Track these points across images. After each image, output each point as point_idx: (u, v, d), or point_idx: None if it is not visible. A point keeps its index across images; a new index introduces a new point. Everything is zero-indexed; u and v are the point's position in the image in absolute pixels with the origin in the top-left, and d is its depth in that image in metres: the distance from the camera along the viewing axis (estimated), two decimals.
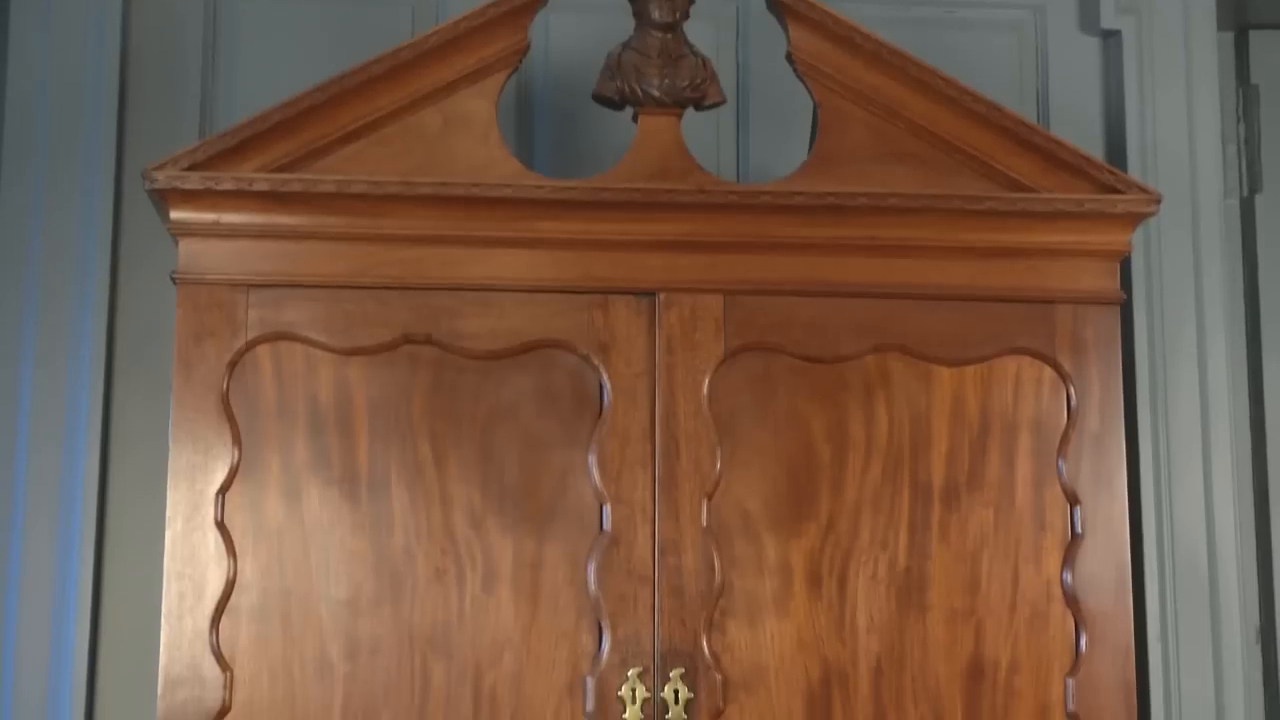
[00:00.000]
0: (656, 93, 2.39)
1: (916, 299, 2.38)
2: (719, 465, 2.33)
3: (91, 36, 2.81)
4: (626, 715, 2.26)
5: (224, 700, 2.22)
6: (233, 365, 2.29)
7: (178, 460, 2.26)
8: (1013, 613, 2.35)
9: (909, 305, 2.38)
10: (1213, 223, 2.93)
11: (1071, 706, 2.32)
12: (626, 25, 2.44)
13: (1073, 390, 2.39)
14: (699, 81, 2.41)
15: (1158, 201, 2.40)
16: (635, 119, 2.42)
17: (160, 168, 2.28)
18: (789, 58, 2.42)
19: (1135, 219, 2.41)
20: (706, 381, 2.34)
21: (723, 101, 2.47)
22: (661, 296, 2.35)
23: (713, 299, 2.36)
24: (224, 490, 2.26)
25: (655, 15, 2.40)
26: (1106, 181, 2.40)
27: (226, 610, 2.24)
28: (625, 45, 2.43)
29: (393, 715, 2.25)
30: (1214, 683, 2.72)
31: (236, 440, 2.28)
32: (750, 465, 2.35)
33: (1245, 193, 3.03)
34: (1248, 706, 2.73)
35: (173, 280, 2.30)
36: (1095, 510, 2.36)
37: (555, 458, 2.33)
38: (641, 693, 2.26)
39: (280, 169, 2.31)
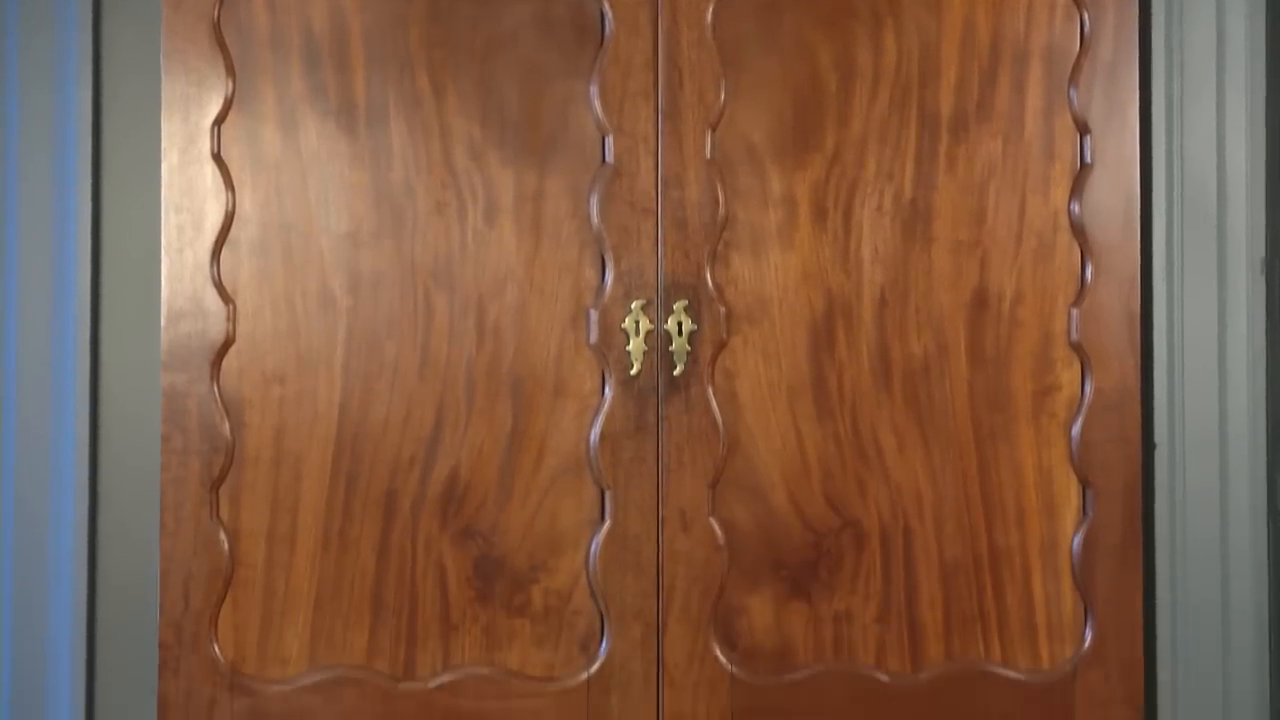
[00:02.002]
0: None
1: None
2: (723, 96, 2.29)
3: None
4: (630, 347, 2.27)
5: (228, 333, 2.23)
6: None
7: (170, 91, 2.23)
8: (1018, 243, 2.34)
9: None
10: None
11: (1075, 336, 2.33)
12: None
13: (1086, 17, 2.34)
14: None
15: None
16: None
17: None
18: None
19: None
20: (710, 8, 2.29)
21: None
22: None
23: None
24: (219, 122, 2.24)
25: None
26: None
27: (226, 244, 2.24)
28: None
29: (396, 347, 2.26)
30: (1217, 313, 2.72)
31: (230, 71, 2.23)
32: (755, 96, 2.31)
33: None
34: (1250, 336, 2.74)
35: None
36: (1105, 140, 2.34)
37: (556, 89, 2.29)
38: (645, 324, 2.27)
39: None
